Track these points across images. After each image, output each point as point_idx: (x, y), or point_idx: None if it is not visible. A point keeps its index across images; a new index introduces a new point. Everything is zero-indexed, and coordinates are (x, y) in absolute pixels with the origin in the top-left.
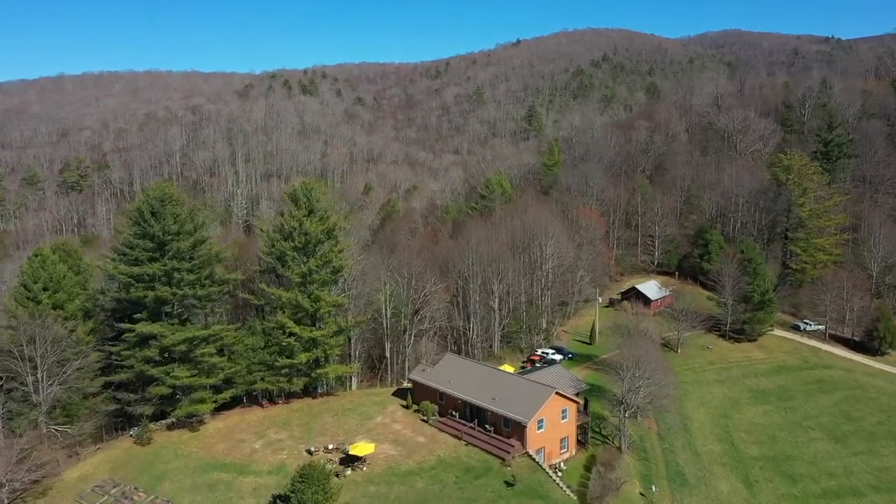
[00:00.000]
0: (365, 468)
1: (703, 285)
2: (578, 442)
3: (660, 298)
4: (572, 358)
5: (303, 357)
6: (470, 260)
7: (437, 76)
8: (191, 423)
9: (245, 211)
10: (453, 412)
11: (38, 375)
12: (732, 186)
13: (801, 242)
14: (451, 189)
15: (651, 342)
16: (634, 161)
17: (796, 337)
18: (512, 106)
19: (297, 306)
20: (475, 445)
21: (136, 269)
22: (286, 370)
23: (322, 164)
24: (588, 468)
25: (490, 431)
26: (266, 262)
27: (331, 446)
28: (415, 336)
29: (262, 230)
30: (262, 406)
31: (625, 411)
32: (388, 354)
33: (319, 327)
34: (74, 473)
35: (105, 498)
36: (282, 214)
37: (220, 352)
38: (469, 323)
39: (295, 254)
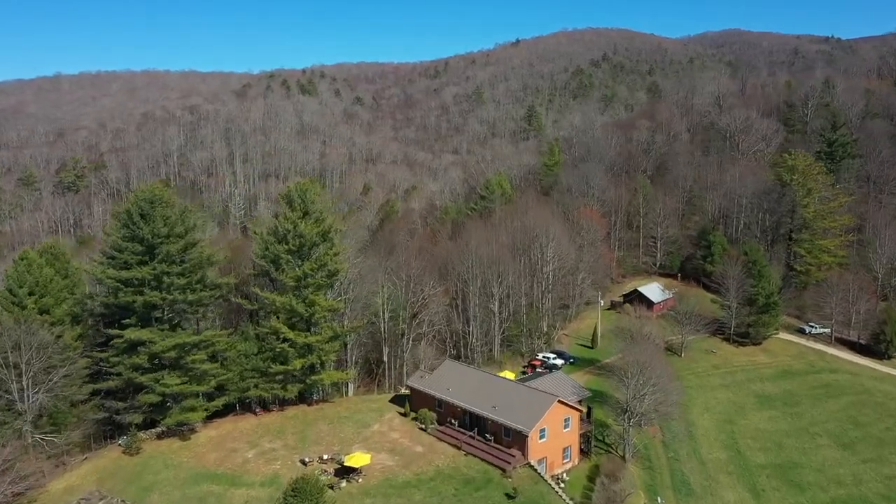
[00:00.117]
0: (361, 480)
1: (707, 287)
2: (581, 451)
3: (662, 301)
4: (574, 362)
5: (297, 363)
6: (469, 262)
7: (437, 76)
8: (181, 431)
9: (243, 212)
10: (452, 420)
11: (24, 383)
12: (735, 187)
13: (806, 244)
14: (450, 189)
15: (655, 347)
16: (636, 161)
17: (801, 340)
18: (511, 106)
19: (292, 311)
20: (475, 455)
21: (124, 273)
22: (280, 377)
23: (320, 164)
24: (591, 479)
25: (490, 441)
26: (260, 266)
27: (326, 456)
28: (413, 340)
29: (255, 232)
30: (255, 414)
31: (629, 419)
32: (385, 359)
33: (314, 332)
34: (60, 485)
35: None
36: (276, 216)
37: (212, 358)
38: (468, 326)
39: (289, 257)
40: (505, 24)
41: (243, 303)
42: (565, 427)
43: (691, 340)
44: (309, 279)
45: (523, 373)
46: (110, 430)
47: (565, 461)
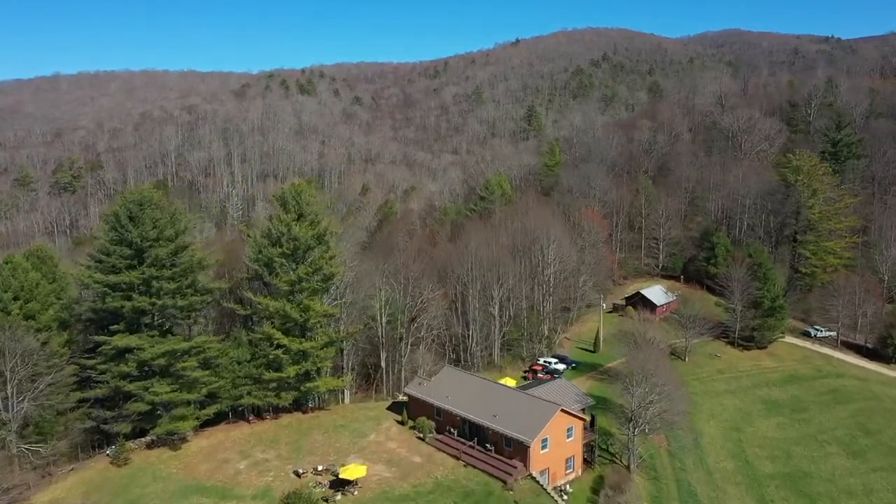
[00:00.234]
0: (356, 492)
1: (710, 290)
2: (585, 461)
3: (665, 304)
4: (576, 367)
5: (291, 370)
6: (469, 264)
7: (436, 76)
8: (172, 440)
9: (241, 212)
10: (452, 429)
11: (8, 391)
12: (738, 187)
13: (811, 245)
14: (449, 190)
15: (660, 352)
16: (637, 161)
17: (807, 344)
18: (511, 106)
19: (286, 316)
20: (475, 466)
21: (112, 278)
22: (274, 384)
23: (319, 164)
24: (595, 491)
25: (491, 451)
26: (253, 270)
27: (320, 467)
28: (412, 345)
29: (248, 235)
30: (248, 422)
31: (634, 428)
32: (383, 364)
33: (309, 338)
34: (45, 497)
35: None
36: (269, 219)
37: (204, 365)
38: (468, 330)
39: (283, 260)
40: (505, 24)
41: (236, 308)
42: (568, 437)
43: (695, 344)
44: (303, 283)
45: (524, 378)
46: (98, 440)
47: (568, 472)
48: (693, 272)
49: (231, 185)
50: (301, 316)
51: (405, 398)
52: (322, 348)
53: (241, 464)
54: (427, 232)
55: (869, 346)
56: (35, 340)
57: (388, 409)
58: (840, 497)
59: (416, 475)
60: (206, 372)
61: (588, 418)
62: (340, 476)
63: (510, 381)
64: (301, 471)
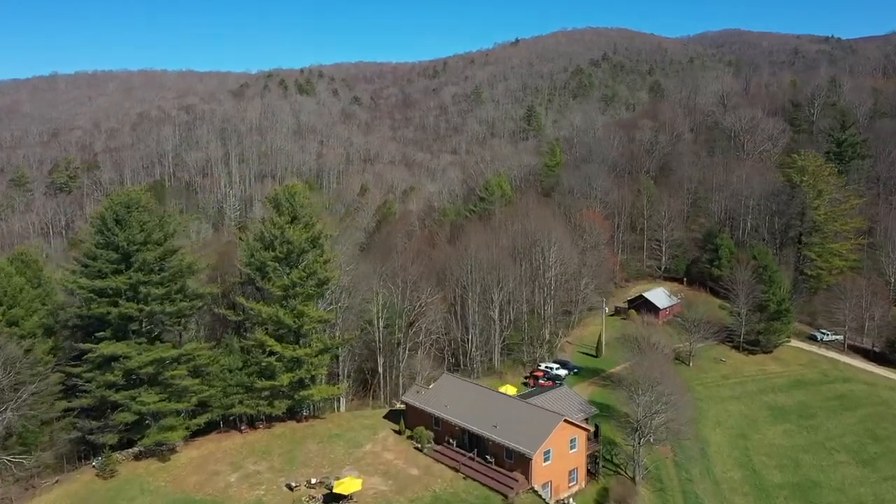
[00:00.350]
0: None
1: (714, 292)
2: (589, 473)
3: (669, 307)
4: (577, 372)
5: (285, 378)
6: (469, 267)
7: (435, 76)
8: (160, 451)
9: (238, 213)
10: (450, 440)
11: None
12: (741, 188)
13: (816, 247)
14: (448, 190)
15: (665, 358)
16: (638, 162)
17: (813, 348)
18: (511, 106)
19: (279, 322)
20: (474, 479)
21: (98, 283)
22: (267, 392)
23: (318, 164)
24: None
25: (491, 463)
26: (245, 274)
27: (314, 480)
28: (410, 349)
29: (241, 238)
30: (240, 431)
31: (640, 439)
32: (380, 370)
33: (303, 345)
34: None
35: None
36: (262, 221)
37: (194, 373)
38: (468, 335)
39: (276, 265)
40: (504, 24)
41: (227, 313)
42: (571, 448)
43: (700, 349)
44: (297, 288)
45: (525, 384)
46: (84, 451)
47: (571, 484)
48: (696, 274)
49: (228, 186)
50: (295, 322)
51: (402, 406)
52: (317, 355)
53: (231, 476)
54: (426, 233)
55: (876, 349)
56: (18, 347)
57: (385, 417)
58: None
59: (414, 488)
60: (197, 380)
61: (592, 428)
62: (335, 490)
63: (511, 389)
64: (294, 484)
